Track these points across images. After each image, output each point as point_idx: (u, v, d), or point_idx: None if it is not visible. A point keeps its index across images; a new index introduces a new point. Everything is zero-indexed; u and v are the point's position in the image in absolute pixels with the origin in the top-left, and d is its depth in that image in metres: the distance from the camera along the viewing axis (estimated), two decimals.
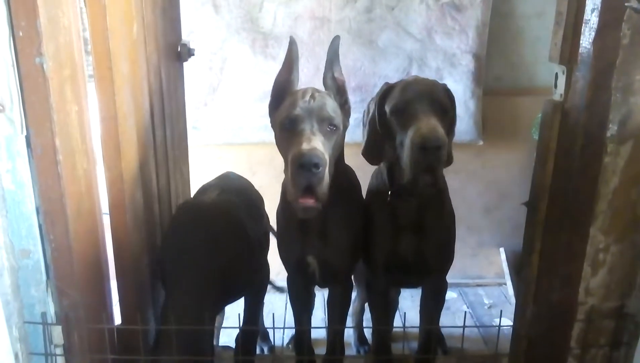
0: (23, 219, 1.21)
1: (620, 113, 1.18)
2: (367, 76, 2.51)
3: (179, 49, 1.94)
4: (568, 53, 1.23)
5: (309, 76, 2.47)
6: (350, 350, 2.19)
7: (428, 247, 1.56)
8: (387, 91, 1.50)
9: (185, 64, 2.03)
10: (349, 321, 2.09)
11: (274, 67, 2.49)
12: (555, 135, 1.29)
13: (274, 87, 1.49)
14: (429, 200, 1.52)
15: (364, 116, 1.64)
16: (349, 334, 2.16)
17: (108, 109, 1.39)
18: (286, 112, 1.38)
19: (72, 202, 1.24)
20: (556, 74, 1.28)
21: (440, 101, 1.42)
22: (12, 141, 1.17)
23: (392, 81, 2.45)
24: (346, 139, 2.53)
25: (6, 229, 1.21)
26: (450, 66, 2.49)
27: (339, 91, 1.47)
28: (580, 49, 1.19)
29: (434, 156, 1.32)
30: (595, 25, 1.14)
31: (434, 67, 2.50)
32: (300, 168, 1.26)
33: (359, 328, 2.22)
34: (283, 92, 1.46)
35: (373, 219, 1.59)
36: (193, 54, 2.01)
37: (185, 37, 2.06)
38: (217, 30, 2.42)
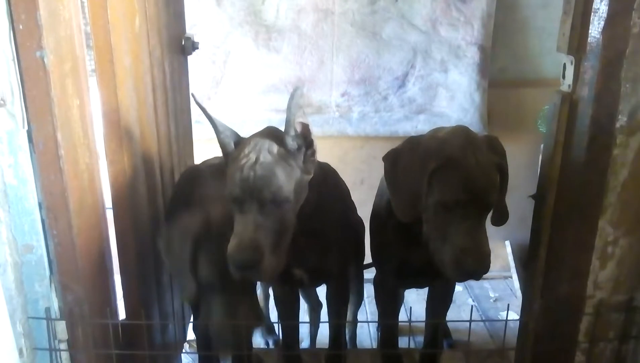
0: (26, 214, 1.21)
1: (629, 104, 1.16)
2: (371, 68, 2.49)
3: (182, 43, 1.92)
4: (576, 43, 1.21)
5: (313, 69, 2.47)
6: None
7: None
8: (439, 168, 1.26)
9: (188, 57, 2.02)
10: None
11: (277, 60, 2.50)
12: (564, 127, 1.27)
13: (220, 148, 1.35)
14: None
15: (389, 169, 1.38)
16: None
17: (110, 103, 1.38)
18: (228, 187, 1.24)
19: (74, 197, 1.23)
20: (564, 64, 1.26)
21: (493, 196, 1.27)
22: (13, 136, 1.16)
23: (396, 73, 2.48)
24: (350, 132, 2.55)
25: (9, 224, 1.20)
26: (455, 57, 2.47)
27: (304, 142, 1.27)
28: (589, 38, 1.17)
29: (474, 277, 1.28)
30: (604, 14, 1.12)
31: (439, 59, 2.48)
32: (233, 268, 1.19)
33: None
34: (229, 151, 1.32)
35: (383, 231, 1.53)
36: (197, 48, 1.99)
37: (188, 30, 2.05)
38: (220, 23, 2.41)
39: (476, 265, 1.23)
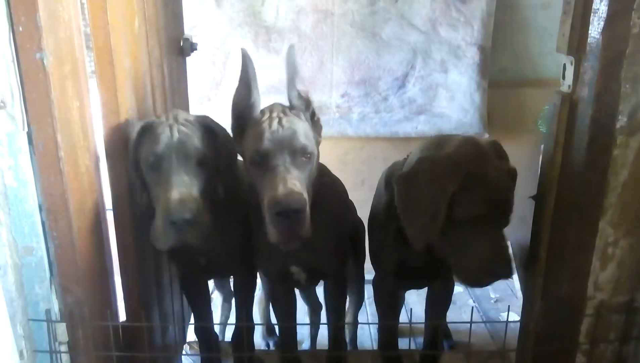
0: (26, 216, 1.21)
1: (629, 104, 1.16)
2: (371, 69, 2.49)
3: (181, 44, 1.92)
4: (576, 43, 1.20)
5: (313, 70, 2.46)
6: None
7: (440, 258, 1.52)
8: (465, 184, 1.22)
9: (187, 59, 2.02)
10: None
11: (277, 62, 2.49)
12: (564, 127, 1.26)
13: (232, 111, 1.34)
14: None
15: (388, 179, 1.40)
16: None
17: (110, 105, 1.37)
18: (254, 145, 1.26)
19: (74, 198, 1.23)
20: (564, 64, 1.26)
21: (512, 203, 1.27)
22: (13, 138, 1.16)
23: (396, 74, 2.47)
24: (350, 133, 2.54)
25: (9, 226, 1.20)
26: (455, 58, 2.47)
27: (307, 106, 1.35)
28: (589, 39, 1.17)
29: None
30: (604, 15, 1.11)
31: (439, 59, 2.48)
32: (279, 216, 1.18)
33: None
34: (245, 117, 1.33)
35: (382, 233, 1.53)
36: (196, 49, 1.99)
37: (188, 32, 2.05)
38: (220, 24, 2.41)
39: (504, 272, 1.25)
